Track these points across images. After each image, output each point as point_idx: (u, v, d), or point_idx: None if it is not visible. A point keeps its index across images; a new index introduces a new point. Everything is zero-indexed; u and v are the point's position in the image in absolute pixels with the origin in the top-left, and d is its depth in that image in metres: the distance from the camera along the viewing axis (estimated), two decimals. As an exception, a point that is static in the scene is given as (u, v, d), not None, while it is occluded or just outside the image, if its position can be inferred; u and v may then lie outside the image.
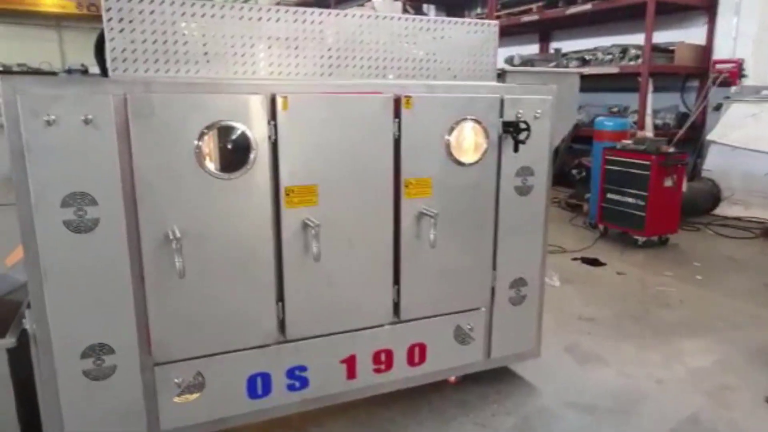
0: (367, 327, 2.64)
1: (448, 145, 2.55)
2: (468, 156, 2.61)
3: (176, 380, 2.34)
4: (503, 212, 2.78)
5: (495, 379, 3.12)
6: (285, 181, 2.30)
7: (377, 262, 2.56)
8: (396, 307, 2.66)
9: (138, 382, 2.29)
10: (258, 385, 2.49)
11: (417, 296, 2.69)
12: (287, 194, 2.31)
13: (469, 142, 2.61)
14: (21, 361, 2.16)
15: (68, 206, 2.04)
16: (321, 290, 2.48)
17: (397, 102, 2.43)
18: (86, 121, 2.00)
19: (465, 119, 2.56)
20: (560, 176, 7.86)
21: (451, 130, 2.54)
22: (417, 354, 2.78)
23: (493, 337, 2.95)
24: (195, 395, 2.38)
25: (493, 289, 2.87)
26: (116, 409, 2.28)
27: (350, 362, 2.65)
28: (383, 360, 2.71)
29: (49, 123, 1.96)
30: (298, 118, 2.27)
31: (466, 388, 3.05)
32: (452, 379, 3.08)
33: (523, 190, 2.80)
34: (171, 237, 2.10)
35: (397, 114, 2.44)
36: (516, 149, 2.70)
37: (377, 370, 2.71)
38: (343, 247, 2.46)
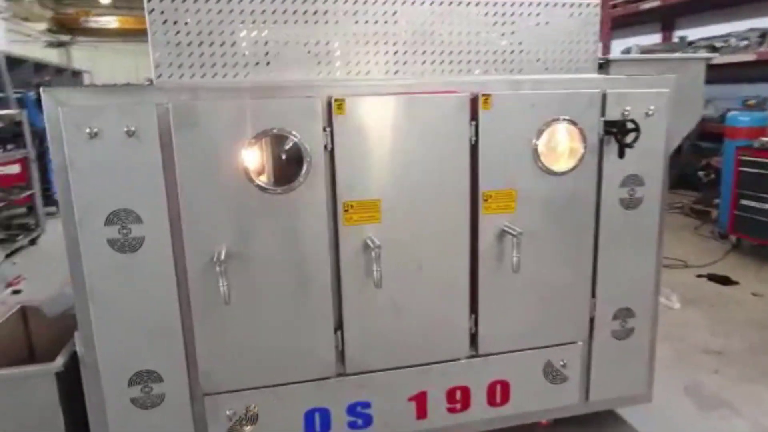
0: (439, 361, 2.39)
1: (536, 151, 2.24)
2: (561, 163, 2.28)
3: (228, 412, 2.23)
4: (605, 230, 2.41)
5: (595, 424, 2.75)
6: (343, 195, 2.11)
7: (450, 288, 2.30)
8: (473, 339, 2.39)
9: (188, 413, 2.20)
10: (316, 422, 2.32)
11: (498, 327, 2.39)
12: (345, 210, 2.12)
13: (563, 146, 2.28)
14: (72, 384, 2.13)
15: (112, 224, 1.98)
16: (385, 319, 2.26)
17: (474, 102, 2.16)
18: (129, 133, 1.92)
19: (557, 120, 2.24)
20: (683, 178, 7.11)
21: (540, 133, 2.23)
22: (499, 392, 2.49)
23: (592, 377, 2.58)
24: (248, 429, 2.25)
25: (592, 321, 2.52)
26: (166, 443, 2.20)
27: (420, 400, 2.41)
28: (459, 398, 2.45)
29: (91, 136, 1.90)
30: (357, 124, 2.07)
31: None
32: (544, 421, 2.75)
33: (631, 203, 2.42)
34: (215, 259, 1.96)
35: (474, 116, 2.17)
36: (621, 154, 2.33)
37: (452, 410, 2.45)
38: (410, 271, 2.23)
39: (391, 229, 2.17)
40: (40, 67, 10.24)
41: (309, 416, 2.31)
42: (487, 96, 2.15)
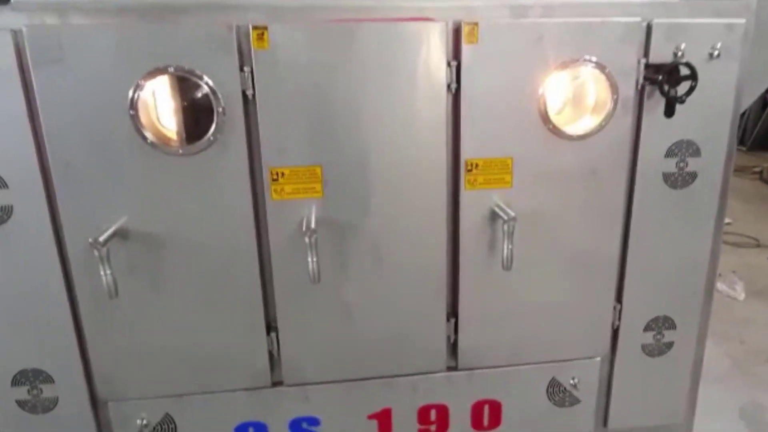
0: (407, 374, 1.88)
1: (543, 105, 1.62)
2: (578, 123, 1.67)
3: (138, 422, 1.82)
4: (639, 215, 1.80)
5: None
6: (269, 160, 1.58)
7: (422, 286, 1.77)
8: (453, 349, 1.86)
9: (89, 420, 1.82)
10: (250, 438, 1.88)
11: (485, 336, 1.86)
12: (273, 179, 1.60)
13: (582, 99, 1.66)
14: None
15: (-30, 189, 1.53)
16: (332, 321, 1.77)
17: (457, 33, 1.56)
18: (-23, 70, 1.44)
19: (576, 61, 1.61)
20: (765, 139, 6.14)
21: (550, 79, 1.61)
22: (487, 414, 1.98)
23: (613, 400, 2.03)
24: (166, 442, 1.84)
25: (616, 332, 1.93)
26: (67, 452, 1.82)
27: (383, 418, 1.93)
28: (434, 419, 1.96)
29: (-69, 73, 1.43)
30: (287, 62, 1.52)
31: (566, 464, 2.18)
32: (549, 445, 2.22)
33: (679, 180, 1.78)
34: (91, 241, 1.49)
35: (456, 53, 1.57)
36: (670, 112, 1.69)
37: (424, 431, 1.96)
38: (365, 263, 1.72)
39: (338, 207, 1.64)
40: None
41: (241, 430, 1.87)
42: (473, 25, 1.54)
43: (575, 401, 1.99)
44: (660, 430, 2.14)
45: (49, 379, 1.75)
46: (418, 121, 1.60)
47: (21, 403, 1.77)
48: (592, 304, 1.87)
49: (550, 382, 1.96)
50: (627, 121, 1.68)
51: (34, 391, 1.76)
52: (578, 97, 1.73)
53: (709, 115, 1.73)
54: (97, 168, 1.54)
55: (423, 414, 1.95)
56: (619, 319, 1.91)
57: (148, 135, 1.51)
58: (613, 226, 1.79)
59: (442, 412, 1.95)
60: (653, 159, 1.75)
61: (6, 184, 1.55)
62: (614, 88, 1.63)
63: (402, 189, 1.66)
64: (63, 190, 1.55)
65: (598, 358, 1.96)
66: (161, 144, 1.52)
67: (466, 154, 1.64)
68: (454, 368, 1.90)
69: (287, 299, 1.72)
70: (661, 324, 1.94)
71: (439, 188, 1.67)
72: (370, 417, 1.93)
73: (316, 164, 1.60)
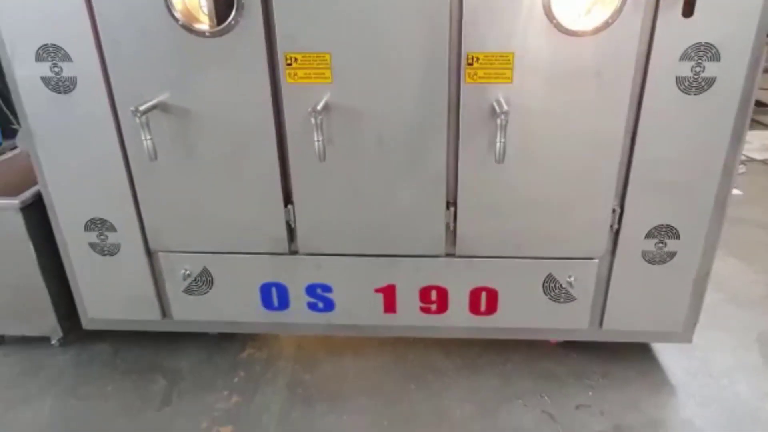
0: (410, 255, 1.99)
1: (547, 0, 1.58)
2: (583, 19, 1.60)
3: (183, 271, 2.09)
4: (647, 119, 1.73)
5: (613, 355, 2.23)
6: (284, 45, 1.68)
7: (420, 172, 1.83)
8: (453, 236, 1.94)
9: (144, 266, 2.10)
10: (273, 296, 2.11)
11: (483, 226, 1.91)
12: (288, 64, 1.70)
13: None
14: (41, 222, 2.09)
15: (43, 60, 1.78)
16: (341, 199, 1.89)
17: (463, -76, 1.53)
18: (44, -43, 1.63)
19: (585, -46, 1.53)
20: None
21: (554, -27, 1.55)
22: (484, 300, 2.06)
23: (610, 301, 2.03)
24: (205, 291, 2.11)
25: (616, 234, 1.91)
26: (129, 291, 2.14)
27: (388, 293, 2.07)
28: (434, 299, 2.07)
29: (7, -43, 1.64)
30: (298, -49, 1.57)
31: (563, 357, 2.25)
32: (552, 340, 2.28)
33: (694, 85, 1.68)
34: (133, 109, 1.69)
35: (462, -56, 1.55)
36: (689, 11, 1.58)
37: (426, 309, 2.08)
38: (368, 146, 1.80)
39: (345, 92, 1.72)
40: None
41: (265, 289, 2.10)
42: None
43: (571, 299, 2.02)
44: (657, 336, 2.13)
45: (112, 228, 2.03)
46: (422, 13, 1.62)
47: (93, 246, 2.07)
48: (591, 205, 1.85)
49: (546, 277, 1.99)
50: (636, 19, 1.59)
51: (102, 237, 2.05)
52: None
53: (733, 15, 1.59)
54: (139, 45, 1.71)
55: (424, 293, 2.06)
56: (620, 222, 1.88)
57: (179, 17, 1.64)
58: (616, 129, 1.73)
59: (442, 294, 2.05)
60: (666, 62, 1.66)
61: (71, 58, 1.76)
62: (623, -17, 1.54)
63: (405, 78, 1.70)
64: (113, 65, 1.74)
65: (596, 260, 1.95)
66: (190, 26, 1.66)
67: (467, 47, 1.64)
68: (453, 255, 1.97)
69: (302, 175, 1.86)
70: (663, 232, 1.89)
71: (440, 79, 1.69)
72: (377, 290, 2.07)
73: (326, 51, 1.67)
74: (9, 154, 2.52)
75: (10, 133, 4.63)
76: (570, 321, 2.07)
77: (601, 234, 1.90)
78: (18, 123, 4.46)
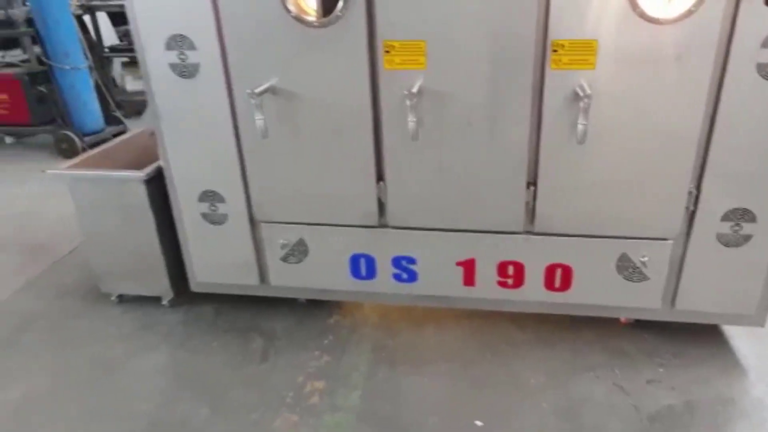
0: (490, 230, 2.10)
1: (632, -10, 1.65)
2: (664, 7, 1.66)
3: (281, 241, 2.27)
4: (727, 104, 1.77)
5: (684, 335, 2.25)
6: (383, 33, 1.82)
7: (506, 153, 1.94)
8: (532, 213, 2.03)
9: (248, 235, 2.30)
10: (362, 266, 2.26)
11: (561, 205, 1.99)
12: (386, 51, 1.84)
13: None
14: (160, 192, 2.33)
15: (171, 49, 2.00)
16: (429, 177, 2.02)
17: None
18: (180, -44, 1.84)
19: (671, -54, 1.59)
20: None
21: (640, -36, 1.62)
22: (559, 277, 2.14)
23: (683, 282, 2.07)
24: (300, 259, 2.29)
25: (691, 216, 1.95)
26: (233, 257, 2.34)
27: (468, 267, 2.18)
28: (511, 274, 2.16)
29: (147, -41, 1.87)
30: (401, -51, 1.71)
31: (634, 336, 2.29)
32: (622, 319, 2.33)
33: (775, 72, 1.71)
34: (249, 91, 1.88)
35: (552, -60, 1.65)
36: (772, 0, 1.62)
37: (502, 284, 2.19)
38: (458, 127, 1.92)
39: (438, 77, 1.85)
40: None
41: (355, 260, 2.26)
42: None
43: (644, 278, 2.07)
44: (729, 318, 2.14)
45: (222, 200, 2.24)
46: (510, 5, 1.72)
47: (204, 216, 2.29)
48: (667, 186, 1.90)
49: (620, 256, 2.05)
50: (719, 7, 1.64)
51: (212, 207, 2.26)
52: None
53: (817, 3, 1.61)
54: (256, 36, 1.89)
55: (502, 268, 2.16)
56: (695, 204, 1.92)
57: (292, 9, 1.82)
58: (695, 114, 1.78)
59: (519, 269, 2.15)
60: (747, 48, 1.69)
61: (195, 46, 1.97)
62: (707, -27, 1.59)
63: (493, 65, 1.81)
64: (232, 53, 1.94)
65: (671, 240, 2.00)
66: (301, 17, 1.83)
67: (553, 35, 1.74)
68: (531, 232, 2.07)
69: (394, 154, 2.00)
70: (740, 215, 1.92)
71: (526, 66, 1.80)
72: (458, 264, 2.18)
73: (421, 39, 1.81)
74: (127, 135, 2.79)
75: (113, 120, 5.03)
76: (642, 300, 2.12)
77: (677, 215, 1.94)
78: (118, 109, 4.82)
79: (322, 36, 1.85)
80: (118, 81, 6.17)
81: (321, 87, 1.94)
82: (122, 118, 5.15)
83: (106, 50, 5.92)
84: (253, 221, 2.27)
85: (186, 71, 2.01)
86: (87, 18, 5.59)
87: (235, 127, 2.08)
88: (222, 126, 2.08)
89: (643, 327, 2.29)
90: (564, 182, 1.94)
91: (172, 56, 2.00)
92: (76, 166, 2.37)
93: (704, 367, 2.12)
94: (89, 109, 4.79)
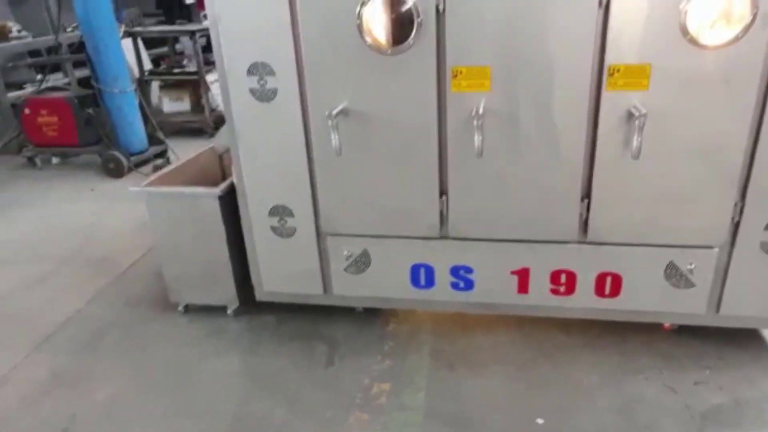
0: (545, 240, 2.22)
1: (683, 17, 1.79)
2: (714, 34, 1.80)
3: (345, 252, 2.40)
4: (770, 122, 1.89)
5: (727, 340, 2.36)
6: (452, 60, 1.98)
7: (562, 168, 2.07)
8: (584, 224, 2.16)
9: (314, 247, 2.43)
10: (421, 276, 2.39)
11: (613, 216, 2.12)
12: (454, 76, 1.99)
13: (720, 12, 1.78)
14: (232, 207, 2.48)
15: (252, 75, 2.16)
16: (489, 190, 2.15)
17: (611, -42, 1.78)
18: (265, -10, 2.01)
19: (719, -21, 1.74)
20: None
21: (692, -4, 1.76)
22: (609, 284, 2.25)
23: (727, 289, 2.18)
24: (362, 270, 2.42)
25: (736, 226, 2.07)
26: (298, 268, 2.48)
27: (522, 275, 2.30)
28: (563, 281, 2.28)
29: (234, -8, 2.03)
30: (471, -16, 1.87)
31: (679, 340, 2.39)
32: (666, 325, 2.44)
33: (816, 92, 1.84)
34: (326, 114, 2.04)
35: (610, -26, 1.80)
36: (812, 27, 1.75)
37: (555, 291, 2.30)
38: (519, 144, 2.05)
39: (501, 99, 2.00)
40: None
41: (415, 270, 2.38)
42: (625, -50, 1.75)
43: (690, 285, 2.18)
44: (772, 322, 2.24)
45: (291, 214, 2.38)
46: (571, 30, 1.87)
47: (273, 229, 2.43)
48: (714, 198, 2.02)
49: (668, 264, 2.16)
50: (763, 35, 1.78)
51: (282, 221, 2.41)
52: (726, 11, 1.81)
53: None
54: (332, 61, 2.05)
55: (555, 276, 2.28)
56: (740, 215, 2.04)
57: (368, 39, 1.98)
58: (741, 132, 1.91)
59: (571, 277, 2.27)
60: (791, 71, 1.83)
61: (274, 72, 2.13)
62: (754, 2, 1.73)
63: (553, 87, 1.96)
64: (309, 78, 2.10)
65: (716, 249, 2.11)
66: (376, 46, 1.99)
67: (610, 60, 1.88)
68: (584, 241, 2.19)
69: (457, 170, 2.14)
70: (782, 225, 2.03)
71: (584, 87, 1.94)
72: (513, 272, 2.31)
73: (486, 65, 1.96)
74: (194, 154, 2.95)
75: (154, 140, 5.22)
76: (688, 306, 2.23)
77: (723, 225, 2.06)
78: (158, 130, 5.00)
79: (394, 62, 2.00)
80: (156, 102, 6.39)
81: (390, 108, 2.09)
82: (163, 138, 5.33)
83: (146, 73, 6.15)
84: (319, 234, 2.40)
85: (264, 95, 2.17)
86: (126, 43, 5.82)
87: (307, 146, 2.23)
88: (295, 145, 2.23)
89: (686, 331, 2.40)
90: (616, 195, 2.07)
91: (253, 81, 2.16)
92: (154, 183, 2.52)
93: (749, 368, 2.22)
94: (135, 130, 4.98)
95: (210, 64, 6.12)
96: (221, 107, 5.82)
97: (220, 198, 2.45)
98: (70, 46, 6.04)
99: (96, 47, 4.59)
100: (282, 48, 2.08)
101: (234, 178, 2.42)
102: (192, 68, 6.11)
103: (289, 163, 2.28)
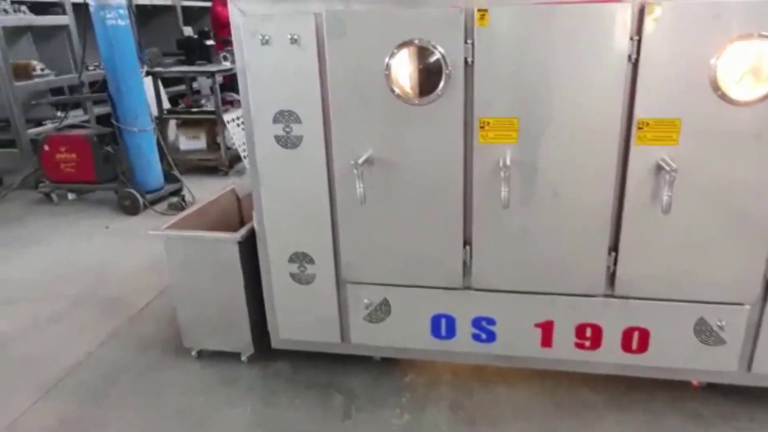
0: (570, 293, 2.16)
1: (714, 74, 1.78)
2: (745, 90, 1.78)
3: (365, 301, 2.35)
4: (803, 178, 1.85)
5: (759, 400, 2.25)
6: (479, 111, 1.96)
7: (589, 221, 2.03)
8: (611, 278, 2.10)
9: (333, 295, 2.37)
10: (442, 326, 2.32)
11: (641, 270, 2.06)
12: (481, 127, 1.97)
13: (750, 68, 1.77)
14: (250, 252, 2.44)
15: (278, 122, 2.15)
16: (514, 242, 2.10)
17: (642, 12, 1.78)
18: (292, 40, 2.02)
19: (750, 36, 1.73)
20: None
21: (721, 51, 1.75)
22: (636, 339, 2.18)
23: (760, 347, 2.10)
24: (382, 319, 2.35)
25: (767, 283, 2.01)
26: (316, 316, 2.42)
27: (546, 328, 2.23)
28: (588, 336, 2.21)
29: (263, 42, 2.05)
30: (500, 37, 1.87)
31: (708, 399, 2.29)
32: (695, 382, 2.34)
33: None
34: (353, 162, 2.01)
35: (639, 29, 1.79)
36: None
37: (580, 345, 2.23)
38: (544, 196, 2.02)
39: (528, 151, 1.97)
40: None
41: (436, 320, 2.32)
42: (655, 5, 1.75)
43: (721, 342, 2.10)
44: (808, 383, 2.15)
45: (311, 261, 2.34)
46: (601, 84, 1.86)
47: (292, 276, 2.38)
48: (745, 254, 1.96)
49: (698, 320, 2.09)
50: (796, 91, 1.75)
51: (301, 268, 2.36)
52: (756, 68, 1.79)
53: None
54: (359, 110, 2.04)
55: (580, 330, 2.21)
56: (773, 272, 1.98)
57: (396, 89, 1.97)
58: (773, 186, 1.87)
59: (597, 331, 2.19)
60: (823, 128, 1.79)
61: (300, 120, 2.13)
62: (784, 61, 1.72)
63: (581, 140, 1.93)
64: (336, 124, 2.08)
65: (748, 306, 2.04)
66: (404, 96, 1.98)
67: (639, 114, 1.86)
68: (611, 295, 2.12)
69: (482, 220, 2.10)
70: (817, 283, 1.96)
71: (612, 140, 1.91)
72: (536, 325, 2.24)
73: (514, 116, 1.94)
74: (215, 196, 2.92)
75: (171, 178, 5.24)
76: (718, 363, 2.14)
77: (754, 282, 2.00)
78: (174, 168, 5.01)
79: (422, 112, 1.99)
80: (173, 140, 6.44)
81: (416, 157, 2.06)
82: (179, 176, 5.34)
83: (165, 112, 6.21)
84: (339, 281, 2.35)
85: (290, 142, 2.16)
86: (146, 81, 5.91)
87: (330, 193, 2.20)
88: (318, 192, 2.21)
89: (716, 389, 2.30)
90: (645, 248, 2.02)
91: (278, 129, 2.15)
92: (175, 226, 2.49)
93: (784, 431, 2.12)
94: (152, 169, 5.00)
95: (227, 103, 6.20)
96: (237, 146, 5.89)
97: (240, 243, 2.41)
98: (92, 84, 6.13)
99: (118, 87, 4.65)
100: (309, 97, 2.08)
101: (254, 224, 2.39)
102: (210, 107, 6.17)
103: (311, 209, 2.25)
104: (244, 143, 5.72)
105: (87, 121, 6.23)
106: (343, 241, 2.26)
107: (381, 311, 2.35)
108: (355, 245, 2.25)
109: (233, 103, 6.20)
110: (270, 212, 2.31)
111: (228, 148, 6.02)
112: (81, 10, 5.07)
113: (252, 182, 2.30)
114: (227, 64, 5.94)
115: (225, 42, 6.50)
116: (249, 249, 2.43)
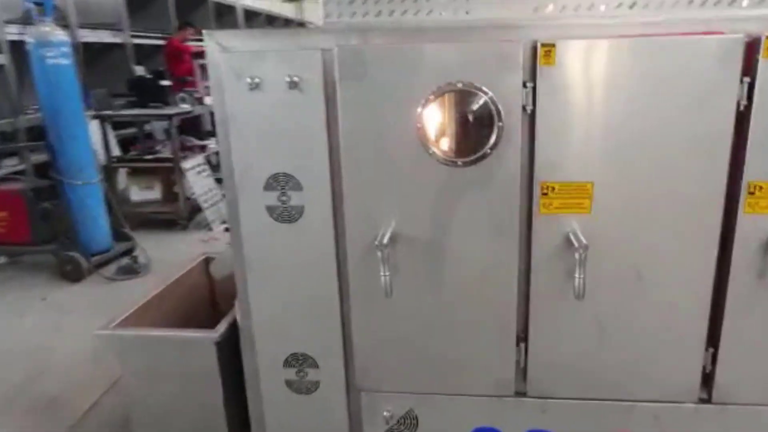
0: (653, 400, 1.72)
1: None
2: None
3: (385, 414, 1.84)
4: None
5: None
6: (542, 174, 1.53)
7: (682, 310, 1.60)
8: (707, 380, 1.66)
9: (343, 406, 1.87)
10: (485, 442, 1.83)
11: (747, 370, 1.63)
12: (544, 193, 1.54)
13: None
14: (232, 352, 1.92)
15: (272, 189, 1.67)
16: (584, 338, 1.66)
17: (751, 47, 1.40)
18: (291, 84, 1.56)
19: None
20: None
21: None
22: (737, 455, 1.73)
23: None
24: (406, 435, 1.85)
25: None
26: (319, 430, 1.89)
27: (620, 443, 1.77)
28: (676, 452, 1.75)
29: (251, 87, 1.57)
30: (570, 78, 1.46)
31: None
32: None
33: None
34: (377, 242, 1.53)
35: (749, 68, 1.41)
36: None
37: (664, 464, 1.77)
38: (625, 281, 1.59)
39: (605, 224, 1.54)
40: (271, 19, 11.02)
41: (477, 435, 1.82)
42: (775, 39, 1.36)
43: None
44: None
45: (313, 364, 1.83)
46: (699, 140, 1.46)
47: (288, 383, 1.87)
48: None
49: (820, 429, 1.67)
50: None
51: (301, 374, 1.85)
52: None
53: None
54: (381, 174, 1.58)
55: (664, 444, 1.75)
56: None
57: (431, 147, 1.52)
58: None
59: (686, 444, 1.75)
60: None
61: (301, 187, 1.65)
62: None
63: (672, 210, 1.52)
64: (351, 193, 1.61)
65: None
66: (442, 156, 1.53)
67: (750, 176, 1.46)
68: (707, 401, 1.69)
69: (542, 312, 1.65)
70: None
71: (714, 210, 1.50)
72: (607, 439, 1.77)
73: (587, 180, 1.51)
74: (179, 273, 2.38)
75: (121, 236, 4.62)
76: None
77: None
78: (125, 225, 4.39)
79: (463, 176, 1.55)
80: (123, 190, 5.82)
81: (454, 233, 1.61)
82: (131, 234, 4.73)
83: (114, 160, 5.61)
84: (350, 389, 1.85)
85: (287, 215, 1.67)
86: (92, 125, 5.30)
87: (340, 280, 1.72)
88: (324, 278, 1.72)
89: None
90: (753, 342, 1.60)
91: (272, 198, 1.66)
92: (128, 323, 1.93)
93: None
94: (99, 226, 4.39)
95: (186, 149, 5.65)
96: (197, 197, 5.33)
97: (218, 344, 1.88)
98: (29, 130, 5.48)
99: (59, 134, 4.07)
100: (313, 157, 1.61)
101: (238, 317, 1.87)
102: (165, 153, 5.61)
103: (315, 301, 1.76)
104: (206, 192, 5.18)
105: (22, 172, 5.54)
106: (357, 340, 1.76)
107: (405, 426, 1.85)
108: (373, 345, 1.76)
109: (192, 149, 5.65)
110: (260, 303, 1.80)
111: (187, 198, 5.44)
112: (18, 48, 4.50)
113: (236, 265, 1.79)
114: (186, 107, 5.41)
115: (182, 81, 5.99)
116: (230, 350, 1.91)
